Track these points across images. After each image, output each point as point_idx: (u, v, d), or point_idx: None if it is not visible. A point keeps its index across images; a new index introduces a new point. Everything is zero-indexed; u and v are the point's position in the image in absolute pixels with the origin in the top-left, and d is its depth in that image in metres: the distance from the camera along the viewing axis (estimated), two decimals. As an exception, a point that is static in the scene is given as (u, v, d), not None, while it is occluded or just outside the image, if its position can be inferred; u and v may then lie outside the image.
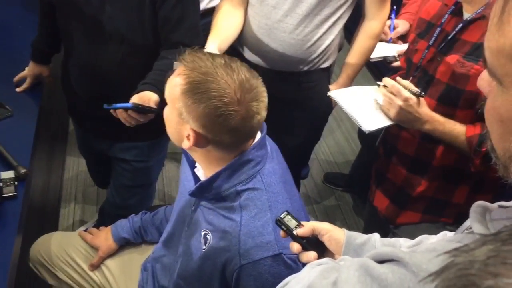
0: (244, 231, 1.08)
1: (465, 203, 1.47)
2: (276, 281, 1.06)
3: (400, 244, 0.95)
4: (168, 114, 1.13)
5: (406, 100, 1.33)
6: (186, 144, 1.08)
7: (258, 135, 1.16)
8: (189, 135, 1.07)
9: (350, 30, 1.88)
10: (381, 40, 2.01)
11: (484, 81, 0.62)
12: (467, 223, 0.71)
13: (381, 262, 0.65)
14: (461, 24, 1.32)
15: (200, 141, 1.07)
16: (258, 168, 1.13)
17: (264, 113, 1.09)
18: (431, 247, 0.66)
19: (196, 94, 1.03)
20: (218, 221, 1.13)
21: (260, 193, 1.11)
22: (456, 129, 1.33)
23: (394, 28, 2.03)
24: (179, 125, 1.09)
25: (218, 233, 1.12)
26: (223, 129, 1.04)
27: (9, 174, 1.40)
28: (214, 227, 1.13)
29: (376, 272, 0.62)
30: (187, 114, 1.05)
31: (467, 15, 1.32)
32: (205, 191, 1.15)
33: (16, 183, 1.38)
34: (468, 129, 1.32)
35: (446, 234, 0.93)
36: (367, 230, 1.02)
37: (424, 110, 1.35)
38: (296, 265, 1.09)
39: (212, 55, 1.09)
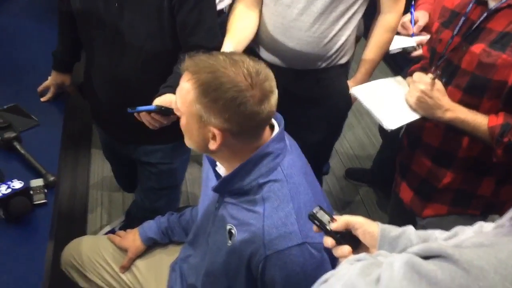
0: (267, 222, 1.09)
1: (491, 195, 1.45)
2: (302, 271, 1.08)
3: (436, 237, 0.93)
4: (187, 123, 1.13)
5: (428, 84, 1.33)
6: (213, 145, 1.09)
7: (276, 128, 1.18)
8: (214, 136, 1.08)
9: (367, 25, 1.87)
10: (404, 35, 1.99)
11: None
12: (510, 213, 0.69)
13: (425, 258, 0.64)
14: (486, 13, 1.30)
15: (226, 137, 1.08)
16: (278, 161, 1.14)
17: (276, 91, 1.11)
18: (478, 242, 0.64)
19: (211, 93, 1.05)
20: (242, 215, 1.14)
21: (282, 184, 1.12)
22: (478, 118, 1.31)
23: (415, 23, 2.00)
24: (201, 130, 1.10)
25: (243, 226, 1.13)
26: (246, 117, 1.06)
27: (39, 182, 1.42)
28: (238, 221, 1.15)
29: (424, 269, 0.61)
30: (207, 115, 1.06)
31: (492, 3, 1.30)
32: (228, 186, 1.17)
33: (45, 190, 1.41)
34: (491, 119, 1.30)
35: (482, 226, 0.92)
36: (392, 223, 1.01)
37: (446, 98, 1.34)
38: (320, 254, 1.10)
39: (211, 54, 1.11)
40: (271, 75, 1.10)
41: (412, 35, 1.98)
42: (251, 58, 1.11)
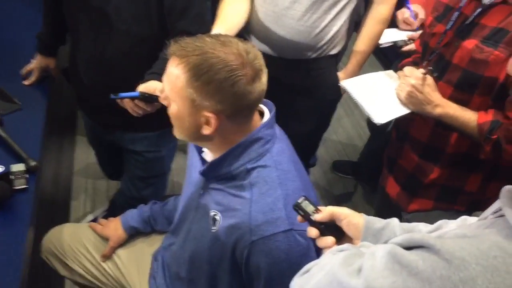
0: (254, 208, 1.08)
1: (478, 191, 1.45)
2: (287, 258, 1.07)
3: (420, 229, 0.94)
4: (177, 110, 1.09)
5: (419, 79, 1.32)
6: (207, 130, 1.07)
7: (267, 114, 1.16)
8: (208, 121, 1.06)
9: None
10: (409, 31, 1.99)
11: None
12: (493, 207, 0.69)
13: (407, 248, 0.63)
14: (480, 9, 1.29)
15: (221, 120, 1.06)
16: (268, 147, 1.13)
17: (266, 70, 1.09)
18: (460, 233, 0.64)
19: (202, 75, 1.02)
20: (228, 200, 1.13)
21: (270, 170, 1.11)
22: (467, 115, 1.31)
23: (416, 17, 1.99)
24: (194, 116, 1.07)
25: (228, 212, 1.12)
26: (239, 96, 1.04)
27: (20, 167, 1.40)
28: (223, 207, 1.13)
29: (405, 259, 0.61)
30: (200, 98, 1.04)
31: None
32: (215, 170, 1.15)
33: (26, 175, 1.38)
34: (480, 116, 1.30)
35: (466, 219, 0.92)
36: (378, 217, 1.01)
37: (436, 93, 1.34)
38: (306, 242, 1.09)
39: (197, 37, 1.08)
40: (259, 54, 1.09)
41: (417, 29, 1.98)
42: (237, 38, 1.09)
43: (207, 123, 1.07)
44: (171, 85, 1.08)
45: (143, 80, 1.46)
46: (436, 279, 0.58)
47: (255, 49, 1.08)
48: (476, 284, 0.56)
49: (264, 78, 1.08)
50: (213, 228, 1.15)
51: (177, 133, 1.16)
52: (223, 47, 1.04)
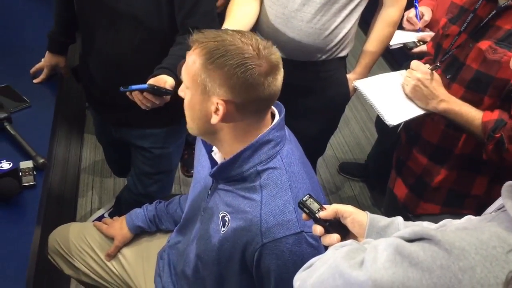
0: (265, 210, 1.08)
1: (484, 194, 1.44)
2: (299, 259, 1.07)
3: (424, 227, 0.94)
4: (190, 98, 1.11)
5: (425, 73, 1.32)
6: (215, 119, 1.07)
7: (277, 116, 1.16)
8: (217, 109, 1.06)
9: (366, 19, 1.86)
10: (411, 31, 1.98)
11: None
12: (496, 204, 0.70)
13: (409, 241, 0.64)
14: (495, 11, 1.28)
15: (229, 110, 1.06)
16: (278, 149, 1.13)
17: (282, 71, 1.09)
18: (461, 226, 0.66)
19: (217, 59, 1.03)
20: (237, 202, 1.13)
21: (281, 172, 1.11)
22: (472, 112, 1.31)
23: (421, 18, 1.99)
24: (205, 103, 1.07)
25: (238, 214, 1.12)
26: (250, 86, 1.04)
27: (28, 164, 1.41)
28: (233, 209, 1.13)
29: (407, 251, 0.62)
30: (211, 83, 1.05)
31: (502, 1, 1.28)
32: (225, 172, 1.15)
33: (35, 172, 1.39)
34: (485, 114, 1.29)
35: (470, 218, 0.93)
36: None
37: (442, 89, 1.33)
38: (318, 244, 1.09)
39: (221, 30, 1.10)
40: (278, 54, 1.09)
41: (418, 30, 1.97)
42: (259, 36, 1.10)
43: (216, 111, 1.07)
44: (187, 71, 1.09)
45: (152, 74, 1.47)
46: (436, 268, 0.59)
47: (275, 49, 1.09)
48: (475, 273, 0.57)
49: (280, 76, 1.08)
50: (222, 229, 1.15)
51: (189, 125, 1.16)
52: (242, 38, 1.05)
